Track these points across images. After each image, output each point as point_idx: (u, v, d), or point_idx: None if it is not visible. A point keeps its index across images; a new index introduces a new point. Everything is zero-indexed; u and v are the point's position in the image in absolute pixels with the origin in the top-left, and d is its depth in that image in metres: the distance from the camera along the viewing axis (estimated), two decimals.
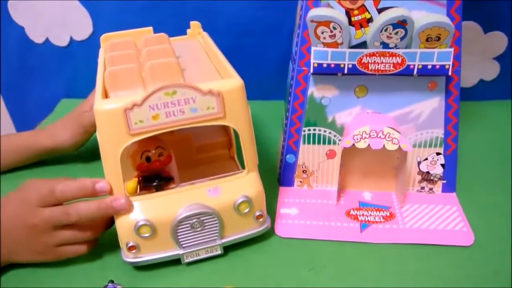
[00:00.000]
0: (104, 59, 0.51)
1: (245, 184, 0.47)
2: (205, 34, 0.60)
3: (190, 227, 0.45)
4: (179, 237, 0.45)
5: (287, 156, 0.57)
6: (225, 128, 0.59)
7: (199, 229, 0.45)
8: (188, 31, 0.64)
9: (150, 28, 0.59)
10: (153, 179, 0.46)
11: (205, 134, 0.58)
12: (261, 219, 0.48)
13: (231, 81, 0.44)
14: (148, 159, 0.46)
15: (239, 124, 0.45)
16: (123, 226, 0.44)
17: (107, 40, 0.57)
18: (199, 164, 0.56)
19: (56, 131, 0.63)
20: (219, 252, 0.47)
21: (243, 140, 0.46)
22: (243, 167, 0.48)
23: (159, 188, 0.46)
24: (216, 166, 0.56)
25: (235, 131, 0.46)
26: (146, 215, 0.44)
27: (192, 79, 0.46)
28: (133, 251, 0.45)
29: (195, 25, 0.63)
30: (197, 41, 0.62)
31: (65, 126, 0.62)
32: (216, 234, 0.46)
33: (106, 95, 0.45)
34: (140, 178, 0.47)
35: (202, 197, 0.45)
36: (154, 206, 0.45)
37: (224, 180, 0.47)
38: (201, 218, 0.45)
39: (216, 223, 0.46)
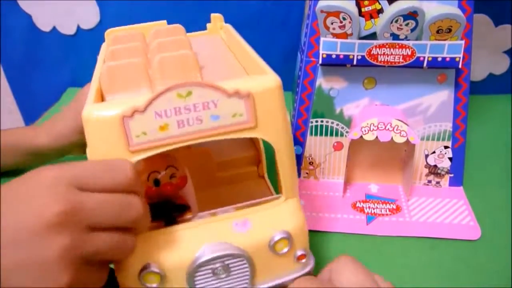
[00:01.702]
0: (104, 54, 0.43)
1: (282, 215, 0.36)
2: (229, 26, 0.50)
3: (212, 273, 0.34)
4: (197, 286, 0.34)
5: (294, 148, 0.57)
6: (252, 140, 0.50)
7: (223, 276, 0.34)
8: (208, 25, 0.55)
9: (164, 22, 0.50)
10: (163, 208, 0.36)
11: (228, 147, 0.49)
12: (303, 260, 0.37)
13: (265, 78, 0.33)
14: (156, 182, 0.36)
15: (276, 137, 0.34)
16: (124, 272, 0.33)
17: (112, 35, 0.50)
18: (221, 184, 0.47)
19: (53, 125, 0.53)
20: None
21: (280, 157, 0.35)
22: (276, 189, 0.39)
23: (171, 221, 0.36)
24: (243, 187, 0.47)
25: (265, 143, 0.35)
26: (154, 258, 0.33)
27: (213, 78, 0.36)
28: None
29: (216, 18, 0.54)
30: (218, 36, 0.53)
31: (63, 119, 0.53)
32: (246, 281, 0.35)
33: (102, 98, 0.36)
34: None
35: (227, 234, 0.35)
36: (165, 246, 0.34)
37: (255, 210, 0.36)
38: (226, 262, 0.34)
39: (246, 268, 0.35)
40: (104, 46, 0.48)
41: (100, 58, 0.44)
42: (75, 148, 0.54)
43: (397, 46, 0.48)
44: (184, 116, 0.31)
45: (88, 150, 0.32)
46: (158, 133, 0.31)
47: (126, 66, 0.36)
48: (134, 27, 0.50)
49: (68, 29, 0.81)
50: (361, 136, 0.51)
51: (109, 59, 0.39)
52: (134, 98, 0.31)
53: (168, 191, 0.36)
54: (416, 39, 0.48)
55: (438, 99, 0.53)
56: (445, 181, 0.57)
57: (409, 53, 0.49)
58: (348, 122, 0.54)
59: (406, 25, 0.47)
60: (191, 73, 0.36)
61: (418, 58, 0.49)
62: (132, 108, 0.30)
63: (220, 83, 0.32)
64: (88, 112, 0.31)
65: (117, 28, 0.50)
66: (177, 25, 0.46)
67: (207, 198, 0.40)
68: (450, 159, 0.55)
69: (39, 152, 0.54)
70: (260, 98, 0.32)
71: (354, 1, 0.48)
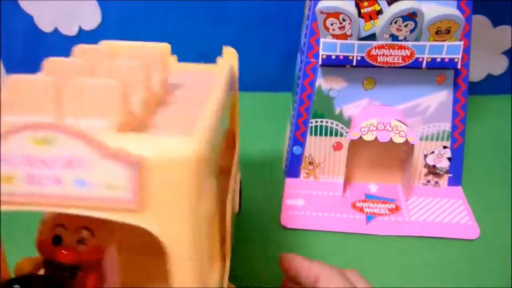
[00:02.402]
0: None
1: None
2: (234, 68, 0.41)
3: None
4: None
5: (294, 148, 0.57)
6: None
7: None
8: (219, 60, 0.45)
9: (167, 46, 0.40)
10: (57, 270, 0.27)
11: None
12: None
13: (177, 142, 0.21)
14: (57, 239, 0.26)
15: (172, 233, 0.22)
16: None
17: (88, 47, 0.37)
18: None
19: None
20: None
21: (176, 267, 0.22)
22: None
23: None
24: None
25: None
26: None
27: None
28: None
29: (229, 53, 0.44)
30: (223, 73, 0.44)
31: None
32: None
33: None
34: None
35: None
36: None
37: None
38: None
39: None
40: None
41: None
42: None
43: (396, 47, 0.49)
44: (37, 170, 0.21)
45: None
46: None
47: (37, 83, 0.25)
48: (132, 45, 0.41)
49: (70, 30, 0.81)
50: (361, 137, 0.51)
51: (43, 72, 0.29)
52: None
53: (65, 259, 0.26)
54: (415, 40, 0.49)
55: (437, 99, 0.53)
56: (444, 181, 0.57)
57: (408, 54, 0.49)
58: (347, 123, 0.55)
59: (405, 26, 0.47)
60: (114, 109, 0.24)
61: (417, 59, 0.49)
62: None
63: (95, 132, 0.20)
64: None
65: (113, 42, 0.41)
66: (165, 45, 0.36)
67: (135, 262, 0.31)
68: (449, 159, 0.56)
69: None
70: (157, 172, 0.21)
71: (354, 2, 0.49)
